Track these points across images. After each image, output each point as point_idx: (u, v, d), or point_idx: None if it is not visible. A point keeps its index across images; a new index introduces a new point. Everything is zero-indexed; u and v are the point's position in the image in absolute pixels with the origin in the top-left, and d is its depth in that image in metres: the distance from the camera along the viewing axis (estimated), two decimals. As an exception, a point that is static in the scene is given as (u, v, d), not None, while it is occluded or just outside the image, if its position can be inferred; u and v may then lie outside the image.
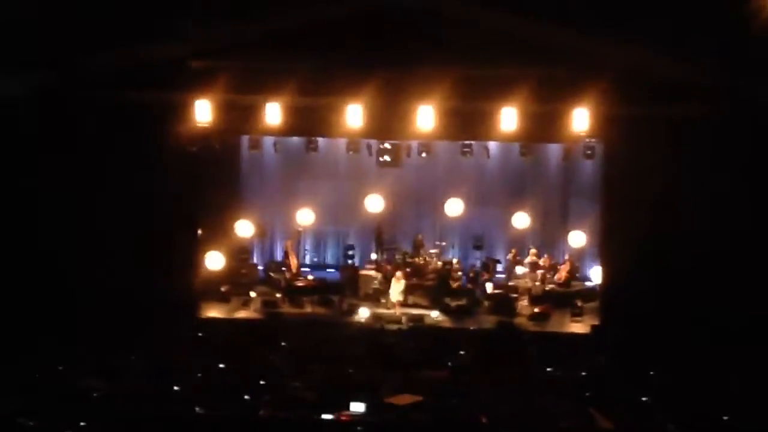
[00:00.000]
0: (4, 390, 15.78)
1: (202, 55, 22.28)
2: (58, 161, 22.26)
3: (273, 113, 22.62)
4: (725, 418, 15.38)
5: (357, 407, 15.48)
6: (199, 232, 23.94)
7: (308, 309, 24.47)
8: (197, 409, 15.42)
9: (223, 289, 24.77)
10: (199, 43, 22.26)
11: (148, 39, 21.82)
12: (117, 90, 21.78)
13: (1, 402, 15.06)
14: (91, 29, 21.44)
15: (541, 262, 26.09)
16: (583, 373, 18.34)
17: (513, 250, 26.69)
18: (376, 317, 23.62)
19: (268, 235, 27.66)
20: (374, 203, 26.54)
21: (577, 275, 26.21)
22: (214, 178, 24.90)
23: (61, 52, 21.57)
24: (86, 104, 22.10)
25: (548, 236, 27.30)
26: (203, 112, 22.49)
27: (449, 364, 18.82)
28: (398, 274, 24.47)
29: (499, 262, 26.93)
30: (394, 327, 22.80)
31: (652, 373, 18.29)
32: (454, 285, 25.10)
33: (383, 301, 24.51)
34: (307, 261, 27.75)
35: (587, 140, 23.37)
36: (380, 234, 27.03)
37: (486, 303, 24.86)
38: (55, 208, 22.43)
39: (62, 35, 21.34)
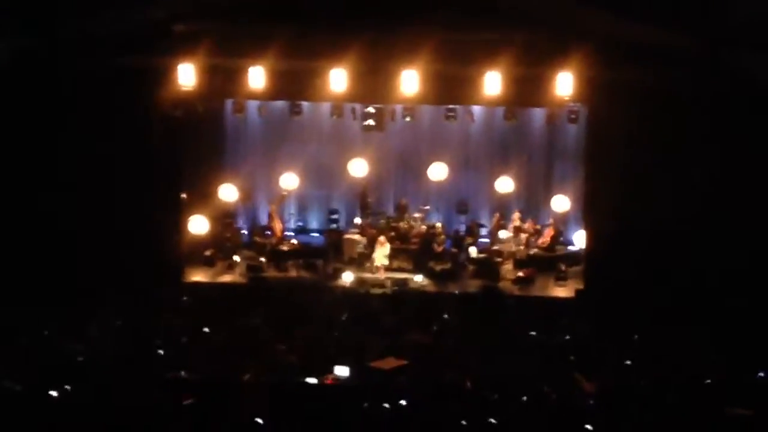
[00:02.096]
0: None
1: (184, 19, 22.18)
2: (38, 127, 22.21)
3: (256, 77, 22.55)
4: (707, 381, 15.50)
5: (341, 371, 15.56)
6: (183, 196, 23.91)
7: (292, 273, 24.51)
8: (181, 372, 15.47)
9: (207, 253, 24.80)
10: (181, 7, 22.15)
11: (131, 3, 21.71)
12: (99, 55, 21.67)
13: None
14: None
15: (524, 226, 26.13)
16: (567, 337, 18.44)
17: (497, 214, 26.71)
18: (360, 281, 23.68)
19: (252, 199, 27.65)
20: (358, 167, 26.54)
21: (561, 239, 26.25)
22: (198, 142, 24.87)
23: (43, 17, 21.42)
24: (68, 70, 22.00)
25: (532, 200, 27.37)
26: (187, 76, 22.41)
27: (433, 328, 18.89)
28: (382, 238, 24.49)
29: (483, 226, 26.98)
30: (379, 291, 22.88)
31: (635, 336, 18.41)
32: (438, 249, 25.15)
33: (367, 265, 24.55)
34: (292, 225, 27.74)
35: (571, 105, 23.38)
36: (364, 198, 27.05)
37: (470, 267, 24.92)
38: (35, 173, 22.38)
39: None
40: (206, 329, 18.12)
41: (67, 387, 14.15)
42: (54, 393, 13.92)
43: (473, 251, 25.27)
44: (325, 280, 23.91)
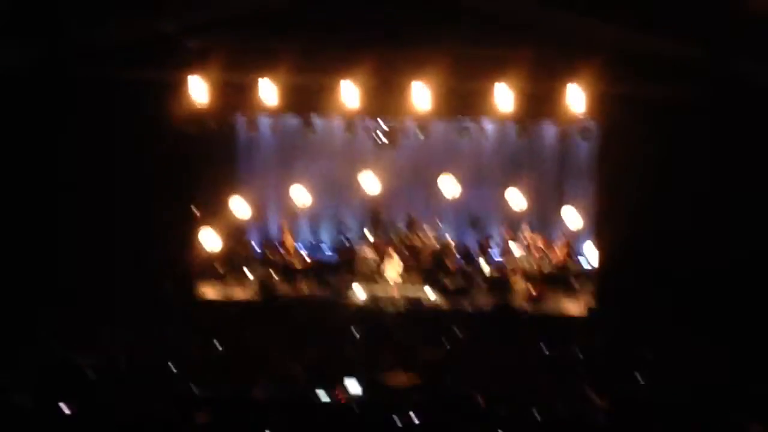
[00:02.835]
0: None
1: (196, 34, 22.20)
2: (50, 136, 22.20)
3: (268, 92, 22.56)
4: (724, 398, 15.42)
5: (353, 388, 15.50)
6: (196, 211, 23.91)
7: (304, 289, 24.47)
8: (192, 388, 15.44)
9: (219, 268, 24.75)
10: (193, 22, 22.17)
11: (142, 17, 21.72)
12: (110, 68, 21.69)
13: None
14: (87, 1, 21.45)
15: (537, 243, 26.04)
16: (579, 354, 18.37)
17: (509, 230, 26.65)
18: (372, 298, 23.63)
19: (264, 215, 27.61)
20: (370, 183, 26.50)
21: (573, 255, 26.18)
22: (211, 157, 24.86)
23: (53, 27, 21.44)
24: (79, 81, 21.99)
25: (544, 216, 27.28)
26: (199, 91, 22.43)
27: (445, 344, 18.85)
28: (394, 254, 24.43)
29: (495, 242, 26.90)
30: (391, 307, 22.82)
31: (647, 353, 18.34)
32: (450, 265, 25.10)
33: (379, 281, 24.50)
34: (304, 241, 27.70)
35: (583, 120, 23.34)
36: (377, 214, 27.01)
37: (482, 283, 24.84)
38: (46, 184, 22.35)
39: (58, 6, 21.31)
40: (218, 345, 18.10)
41: (77, 402, 14.13)
42: (64, 407, 13.90)
43: (485, 268, 25.21)
44: (337, 297, 23.86)
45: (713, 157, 21.47)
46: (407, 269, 24.61)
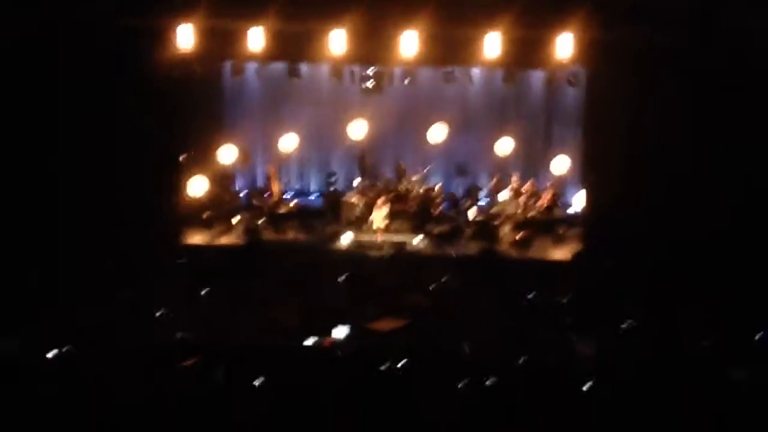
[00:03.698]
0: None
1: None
2: (39, 87, 22.07)
3: (255, 38, 22.46)
4: (705, 343, 15.52)
5: (339, 333, 15.57)
6: (181, 158, 23.86)
7: (290, 235, 24.48)
8: (178, 335, 15.48)
9: (205, 215, 24.72)
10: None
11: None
12: (97, 14, 21.54)
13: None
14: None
15: (523, 189, 26.03)
16: (565, 300, 18.44)
17: (495, 177, 26.66)
18: (358, 244, 23.65)
19: (250, 161, 27.57)
20: (357, 130, 26.43)
21: (560, 202, 26.18)
22: (197, 104, 24.77)
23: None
24: (67, 30, 21.86)
25: (531, 162, 27.25)
26: (185, 37, 22.31)
27: (431, 290, 18.90)
28: (380, 200, 24.44)
29: (481, 189, 26.92)
30: (376, 253, 22.86)
31: (633, 299, 18.41)
32: (436, 212, 25.12)
33: (365, 227, 24.51)
34: (290, 187, 27.67)
35: (571, 66, 23.29)
36: (363, 161, 26.97)
37: (468, 229, 24.86)
38: (30, 132, 22.23)
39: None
40: (204, 291, 18.13)
41: (65, 349, 14.18)
42: (50, 355, 13.95)
43: (471, 214, 25.22)
44: (323, 242, 23.88)
45: (700, 103, 21.45)
46: (393, 215, 24.58)
